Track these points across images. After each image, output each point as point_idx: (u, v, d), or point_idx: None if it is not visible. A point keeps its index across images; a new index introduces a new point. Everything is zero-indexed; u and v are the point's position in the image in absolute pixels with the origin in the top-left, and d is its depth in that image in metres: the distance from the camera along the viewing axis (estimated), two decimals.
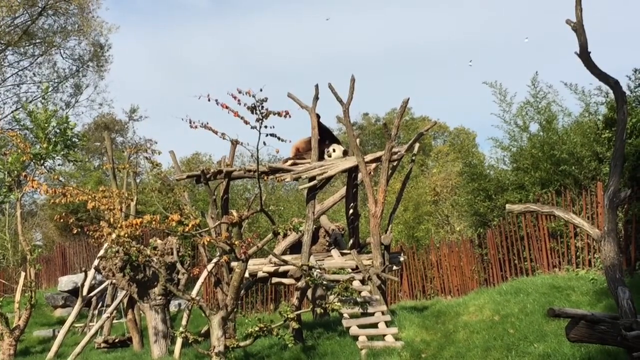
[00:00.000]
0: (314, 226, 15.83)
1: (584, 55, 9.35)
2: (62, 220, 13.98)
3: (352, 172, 16.46)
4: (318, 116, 16.32)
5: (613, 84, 9.40)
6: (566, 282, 15.65)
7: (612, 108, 17.80)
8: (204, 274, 17.34)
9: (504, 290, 15.87)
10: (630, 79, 18.37)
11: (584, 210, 18.12)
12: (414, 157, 16.92)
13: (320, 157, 16.14)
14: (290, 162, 16.42)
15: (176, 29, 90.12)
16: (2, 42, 40.65)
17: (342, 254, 16.46)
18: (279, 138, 12.01)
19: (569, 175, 19.26)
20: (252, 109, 11.56)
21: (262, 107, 11.53)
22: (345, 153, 16.44)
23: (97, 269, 17.78)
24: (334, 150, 16.40)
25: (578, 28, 9.28)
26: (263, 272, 15.73)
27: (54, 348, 18.49)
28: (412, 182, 28.94)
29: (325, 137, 16.67)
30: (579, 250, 18.36)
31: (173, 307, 22.84)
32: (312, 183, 15.26)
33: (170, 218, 12.31)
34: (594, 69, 9.41)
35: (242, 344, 13.09)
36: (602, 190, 16.56)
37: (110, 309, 19.11)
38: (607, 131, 18.28)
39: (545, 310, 11.19)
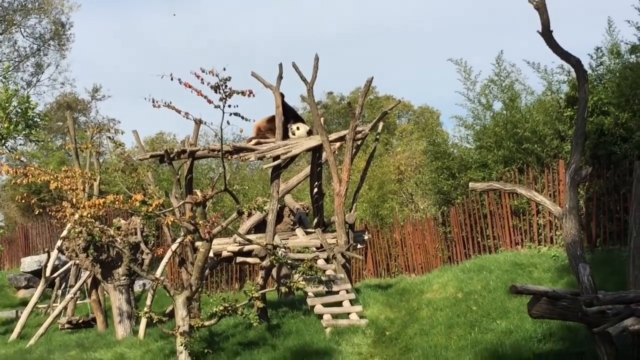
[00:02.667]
0: (279, 205, 15.81)
1: (547, 34, 9.38)
2: (24, 201, 13.81)
3: (316, 151, 16.44)
4: (282, 95, 16.29)
5: (575, 62, 9.47)
6: (528, 260, 15.81)
7: (573, 87, 17.95)
8: (168, 253, 17.28)
9: (467, 267, 16.00)
10: (591, 58, 18.57)
11: (546, 188, 18.29)
12: (378, 136, 16.95)
13: (285, 137, 16.10)
14: (254, 141, 16.36)
15: (139, 7, 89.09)
16: None
17: (307, 233, 16.49)
18: (243, 117, 11.93)
19: (531, 153, 19.39)
20: (216, 88, 11.47)
21: (226, 86, 11.45)
22: (309, 132, 16.42)
23: (60, 250, 17.66)
24: (297, 128, 16.37)
25: (540, 7, 9.30)
26: (227, 251, 15.68)
27: (17, 329, 18.36)
28: (376, 160, 28.95)
29: (290, 116, 16.64)
30: (541, 228, 18.55)
31: (137, 287, 22.73)
32: (276, 162, 15.23)
33: (133, 198, 12.20)
34: (556, 47, 9.46)
35: (206, 323, 13.07)
36: (564, 168, 16.72)
37: (73, 290, 18.98)
38: (569, 109, 18.44)
39: (507, 287, 11.28)
